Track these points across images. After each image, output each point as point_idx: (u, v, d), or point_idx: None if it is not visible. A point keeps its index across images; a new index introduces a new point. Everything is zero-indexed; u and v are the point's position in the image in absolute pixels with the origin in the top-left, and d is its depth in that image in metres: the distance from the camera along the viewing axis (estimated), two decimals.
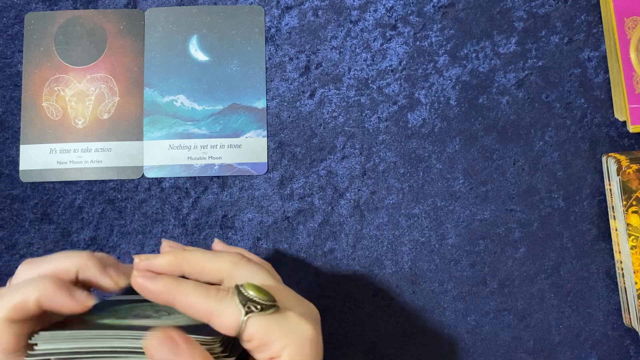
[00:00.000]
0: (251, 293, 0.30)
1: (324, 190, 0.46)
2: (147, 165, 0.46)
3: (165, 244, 0.35)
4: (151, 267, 0.32)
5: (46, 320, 0.32)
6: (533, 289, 0.45)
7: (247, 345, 0.30)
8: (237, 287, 0.30)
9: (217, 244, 0.39)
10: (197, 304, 0.30)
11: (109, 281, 0.33)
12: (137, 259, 0.32)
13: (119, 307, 0.35)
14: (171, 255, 0.32)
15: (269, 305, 0.30)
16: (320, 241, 0.45)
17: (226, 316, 0.29)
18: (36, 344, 0.30)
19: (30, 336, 0.30)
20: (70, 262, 0.32)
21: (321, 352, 0.31)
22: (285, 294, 0.32)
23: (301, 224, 0.45)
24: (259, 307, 0.29)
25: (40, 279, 0.30)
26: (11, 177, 0.45)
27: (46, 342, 0.30)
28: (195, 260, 0.32)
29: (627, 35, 0.45)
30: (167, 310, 0.34)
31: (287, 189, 0.46)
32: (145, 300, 0.37)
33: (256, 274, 0.32)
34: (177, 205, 0.45)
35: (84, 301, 0.30)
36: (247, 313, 0.29)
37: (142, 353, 0.29)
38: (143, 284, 0.30)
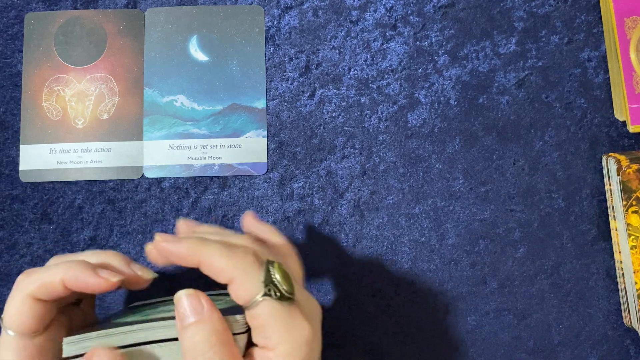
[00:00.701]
0: (277, 277, 0.30)
1: (324, 190, 0.46)
2: (147, 165, 0.46)
3: (182, 222, 0.35)
4: (169, 252, 0.31)
5: (71, 312, 0.33)
6: (533, 289, 0.45)
7: (248, 319, 0.30)
8: (267, 262, 0.30)
9: (248, 217, 0.37)
10: (221, 268, 0.30)
11: (133, 273, 0.33)
12: (158, 236, 0.31)
13: (142, 308, 0.35)
14: (188, 244, 0.31)
15: (287, 297, 0.30)
16: (320, 241, 0.45)
17: (245, 288, 0.29)
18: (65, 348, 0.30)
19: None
20: (97, 257, 0.33)
21: (317, 351, 0.31)
22: (296, 285, 0.32)
23: (301, 224, 0.45)
24: (278, 294, 0.29)
25: (68, 262, 0.31)
26: (11, 177, 0.45)
27: (73, 343, 0.30)
28: (210, 257, 0.31)
29: (627, 35, 0.45)
30: None
31: (287, 189, 0.46)
32: (169, 301, 0.37)
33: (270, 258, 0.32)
34: (177, 205, 0.45)
35: (108, 277, 0.31)
36: (265, 295, 0.29)
37: (167, 340, 0.30)
38: (166, 247, 0.30)
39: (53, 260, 0.33)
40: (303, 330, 0.30)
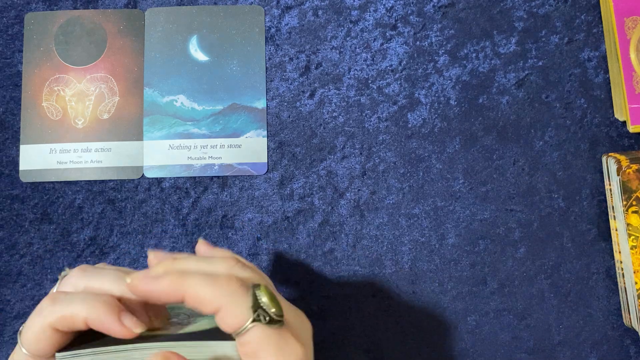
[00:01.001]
0: (264, 300, 0.29)
1: (324, 190, 0.46)
2: (147, 165, 0.46)
3: (152, 256, 0.32)
4: (149, 292, 0.29)
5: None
6: (533, 289, 0.45)
7: (238, 347, 0.29)
8: (253, 287, 0.29)
9: (201, 245, 0.35)
10: (206, 298, 0.28)
11: (145, 316, 0.32)
12: (128, 279, 0.30)
13: None
14: (161, 267, 0.30)
15: (277, 320, 0.29)
16: (320, 241, 0.45)
17: (232, 315, 0.28)
18: None
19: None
20: (117, 286, 0.31)
21: None
22: (284, 306, 0.31)
23: (301, 224, 0.45)
24: (267, 318, 0.29)
25: (94, 299, 0.30)
26: (11, 177, 0.45)
27: (66, 359, 0.30)
28: (193, 289, 0.30)
29: (627, 35, 0.45)
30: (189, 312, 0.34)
31: (287, 189, 0.46)
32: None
33: (254, 281, 0.31)
34: (177, 205, 0.45)
35: (131, 328, 0.30)
36: (254, 320, 0.28)
37: None
38: (146, 289, 0.29)
39: (77, 273, 0.32)
40: (296, 353, 0.29)
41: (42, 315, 0.30)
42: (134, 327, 0.30)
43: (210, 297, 0.28)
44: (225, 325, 0.29)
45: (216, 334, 0.30)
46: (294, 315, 0.32)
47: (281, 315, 0.29)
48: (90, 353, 0.29)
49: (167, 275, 0.29)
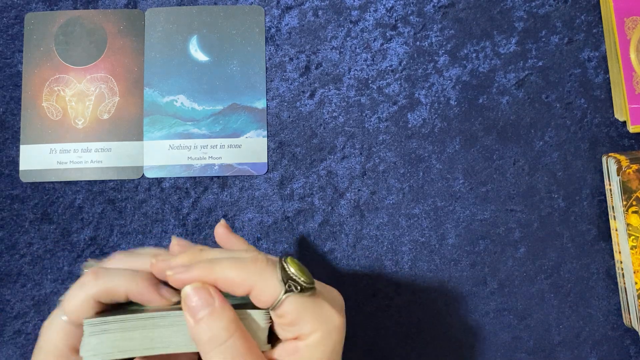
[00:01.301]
0: (293, 271, 0.30)
1: (324, 190, 0.46)
2: (147, 165, 0.46)
3: (175, 242, 0.34)
4: (184, 282, 0.31)
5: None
6: (533, 289, 0.45)
7: (276, 319, 0.30)
8: (280, 260, 0.30)
9: (221, 227, 0.37)
10: (237, 280, 0.29)
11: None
12: (153, 259, 0.32)
13: None
14: (188, 256, 0.31)
15: (308, 287, 0.30)
16: (320, 241, 0.45)
17: (265, 291, 0.29)
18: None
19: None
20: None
21: (343, 340, 0.32)
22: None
23: (301, 224, 0.45)
24: (298, 287, 0.29)
25: (133, 274, 0.32)
26: (11, 177, 0.45)
27: (94, 325, 0.30)
28: (223, 274, 0.31)
29: (627, 35, 0.45)
30: None
31: (287, 189, 0.46)
32: None
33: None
34: (177, 205, 0.45)
35: (170, 298, 0.32)
36: (286, 292, 0.29)
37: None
38: (180, 279, 0.30)
39: (118, 257, 0.33)
40: (332, 318, 0.30)
41: (85, 288, 0.31)
42: (171, 297, 0.32)
43: (240, 279, 0.29)
44: (260, 303, 0.30)
45: (246, 303, 0.31)
46: (324, 286, 0.33)
47: (312, 283, 0.30)
48: (118, 320, 0.30)
49: (197, 264, 0.30)
